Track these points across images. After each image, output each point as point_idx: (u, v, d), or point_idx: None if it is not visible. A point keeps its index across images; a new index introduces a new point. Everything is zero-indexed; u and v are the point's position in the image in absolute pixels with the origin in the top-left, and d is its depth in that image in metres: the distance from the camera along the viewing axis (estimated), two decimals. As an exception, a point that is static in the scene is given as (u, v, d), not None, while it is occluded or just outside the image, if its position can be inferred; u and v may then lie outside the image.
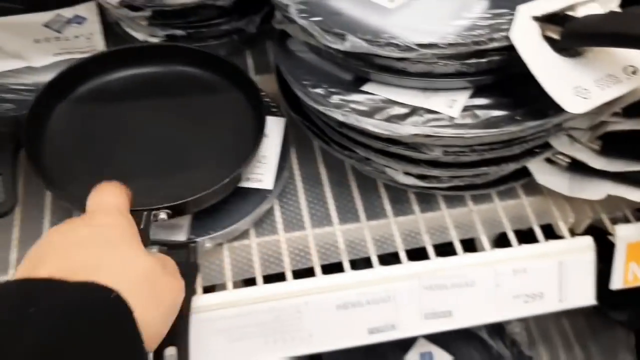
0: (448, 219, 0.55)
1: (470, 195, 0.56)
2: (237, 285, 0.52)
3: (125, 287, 0.35)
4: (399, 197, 0.56)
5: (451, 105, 0.48)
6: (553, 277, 0.54)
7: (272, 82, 0.62)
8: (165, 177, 0.52)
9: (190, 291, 0.45)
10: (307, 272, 0.53)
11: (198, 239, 0.51)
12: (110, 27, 0.64)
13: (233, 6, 0.60)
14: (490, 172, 0.52)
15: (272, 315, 0.50)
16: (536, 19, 0.47)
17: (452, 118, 0.47)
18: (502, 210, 0.56)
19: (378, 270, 0.51)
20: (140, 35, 0.62)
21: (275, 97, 0.61)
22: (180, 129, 0.55)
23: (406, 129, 0.46)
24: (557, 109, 0.45)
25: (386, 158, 0.51)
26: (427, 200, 0.56)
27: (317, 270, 0.52)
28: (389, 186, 0.56)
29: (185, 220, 0.53)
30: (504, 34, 0.46)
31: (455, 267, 0.52)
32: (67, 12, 0.64)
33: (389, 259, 0.54)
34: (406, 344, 0.73)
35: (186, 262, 0.46)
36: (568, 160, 0.54)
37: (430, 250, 0.53)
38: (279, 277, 0.53)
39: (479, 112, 0.48)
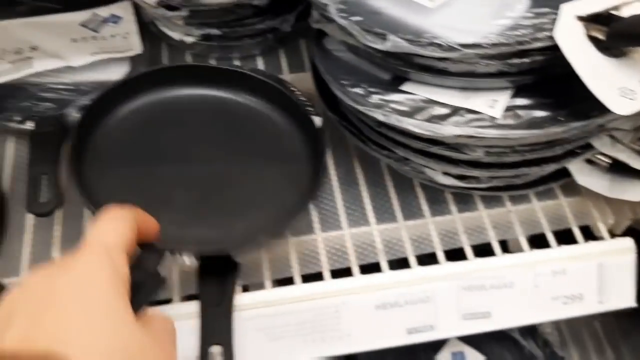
0: (486, 219, 0.55)
1: (508, 195, 0.56)
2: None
3: None
4: (436, 197, 0.56)
5: (492, 106, 0.48)
6: (592, 279, 0.53)
7: (306, 80, 0.62)
8: (200, 214, 0.49)
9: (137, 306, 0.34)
10: (344, 272, 0.53)
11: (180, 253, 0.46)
12: (146, 27, 0.65)
13: (268, 5, 0.60)
14: (530, 172, 0.51)
15: (310, 314, 0.50)
16: (580, 18, 0.46)
17: (493, 118, 0.47)
18: (540, 211, 0.56)
19: (417, 270, 0.51)
20: (175, 35, 0.62)
21: (310, 96, 0.61)
22: (228, 160, 0.53)
23: (449, 130, 0.46)
24: (601, 110, 0.45)
25: (425, 158, 0.50)
26: (464, 200, 0.56)
27: (355, 270, 0.52)
28: (425, 186, 0.56)
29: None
30: (547, 33, 0.45)
31: (494, 268, 0.51)
32: (103, 12, 0.65)
33: (425, 259, 0.54)
34: (438, 343, 0.72)
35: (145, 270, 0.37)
36: (609, 161, 0.53)
37: (468, 251, 0.53)
38: (316, 276, 0.53)
39: (520, 112, 0.48)
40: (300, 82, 0.63)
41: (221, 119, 0.56)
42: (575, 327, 0.85)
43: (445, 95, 0.48)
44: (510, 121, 0.47)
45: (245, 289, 0.52)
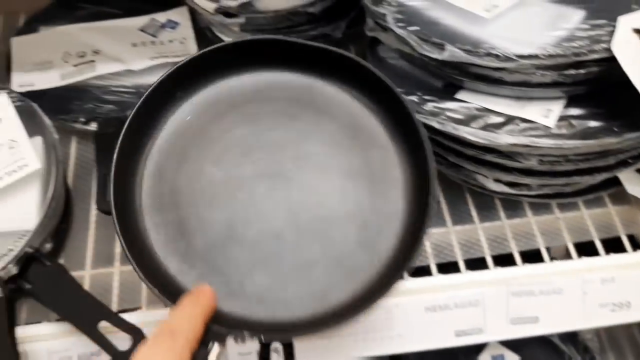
0: (534, 226, 0.56)
1: (557, 203, 0.57)
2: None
3: None
4: (485, 203, 0.57)
5: (547, 115, 0.49)
6: (640, 287, 0.54)
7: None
8: (279, 270, 0.41)
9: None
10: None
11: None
12: (201, 32, 0.67)
13: (321, 12, 0.62)
14: (582, 181, 0.52)
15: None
16: (637, 31, 0.47)
17: (547, 128, 0.48)
18: (588, 219, 0.56)
19: (467, 275, 0.52)
20: (230, 40, 0.64)
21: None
22: (317, 186, 0.43)
23: (504, 138, 0.47)
24: (656, 121, 0.46)
25: (478, 165, 0.52)
26: (513, 206, 0.57)
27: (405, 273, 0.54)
28: (474, 192, 0.57)
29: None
30: (604, 45, 0.46)
31: (544, 274, 0.52)
32: (161, 17, 0.67)
33: (473, 263, 0.55)
34: (478, 345, 0.74)
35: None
36: (660, 171, 0.54)
37: (517, 257, 0.54)
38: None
39: (574, 122, 0.48)
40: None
41: (303, 114, 0.46)
42: (613, 334, 0.85)
43: (500, 104, 0.49)
44: (564, 131, 0.48)
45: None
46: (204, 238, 0.43)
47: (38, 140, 0.52)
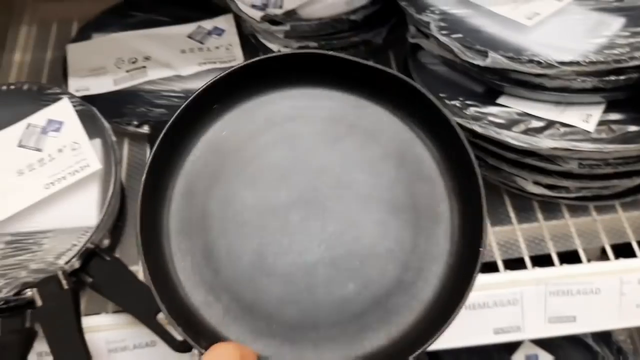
0: (572, 228, 0.57)
1: (594, 205, 0.58)
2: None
3: None
4: (523, 205, 0.59)
5: (586, 120, 0.50)
6: (678, 289, 0.55)
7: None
8: (310, 307, 0.39)
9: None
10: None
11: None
12: (247, 39, 0.70)
13: (363, 19, 0.64)
14: (620, 184, 0.53)
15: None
16: (677, 38, 0.48)
17: (587, 132, 0.50)
18: (626, 221, 0.57)
19: (506, 274, 0.54)
20: (274, 47, 0.67)
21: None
22: (356, 218, 0.40)
23: (545, 142, 0.48)
24: (695, 126, 0.47)
25: (517, 168, 0.53)
26: (550, 208, 0.58)
27: (445, 271, 0.56)
28: (512, 194, 0.59)
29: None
30: (645, 52, 0.47)
31: (582, 274, 0.54)
32: (208, 24, 0.70)
33: (511, 263, 0.57)
34: (512, 345, 0.75)
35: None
36: (697, 174, 0.55)
37: (555, 257, 0.56)
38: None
39: (614, 126, 0.50)
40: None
41: (346, 136, 0.42)
42: (647, 336, 0.85)
43: (541, 109, 0.51)
44: (604, 135, 0.49)
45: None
46: (232, 267, 0.40)
47: (97, 142, 0.55)
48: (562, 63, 0.47)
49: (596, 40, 0.49)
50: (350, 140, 0.43)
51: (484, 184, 0.53)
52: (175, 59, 0.66)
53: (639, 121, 0.50)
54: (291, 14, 0.63)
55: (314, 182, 0.42)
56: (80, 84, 0.65)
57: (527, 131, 0.50)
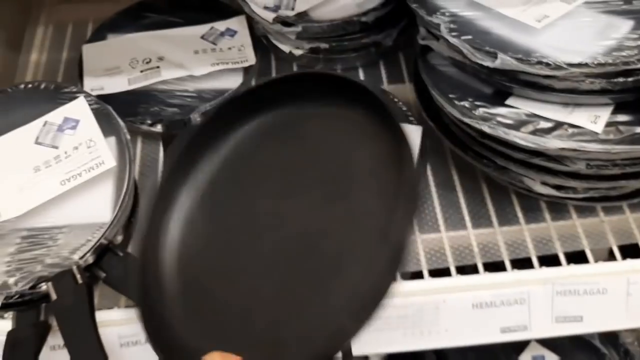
0: (579, 229, 0.58)
1: (602, 206, 0.58)
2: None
3: None
4: (531, 205, 0.59)
5: (594, 121, 0.51)
6: (685, 290, 0.55)
7: (404, 91, 0.67)
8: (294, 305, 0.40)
9: None
10: (441, 272, 0.57)
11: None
12: (258, 40, 0.71)
13: (374, 21, 0.65)
14: (628, 185, 0.54)
15: (412, 309, 0.54)
16: (685, 41, 0.49)
17: (595, 133, 0.50)
18: (633, 222, 0.58)
19: (513, 273, 0.55)
20: (286, 48, 0.68)
21: (409, 107, 0.65)
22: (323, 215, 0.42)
23: (553, 143, 0.49)
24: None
25: (525, 168, 0.54)
26: (558, 209, 0.59)
27: (453, 270, 0.56)
28: (520, 194, 0.59)
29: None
30: (653, 54, 0.48)
31: (589, 274, 0.54)
32: (220, 26, 0.71)
33: (519, 263, 0.57)
34: (519, 345, 0.75)
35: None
36: None
37: (562, 257, 0.56)
38: (414, 275, 0.57)
39: (622, 127, 0.50)
40: (399, 93, 0.67)
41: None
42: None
43: (549, 111, 0.52)
44: (612, 136, 0.50)
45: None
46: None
47: (112, 140, 0.56)
48: (571, 65, 0.48)
49: (605, 43, 0.50)
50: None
51: (492, 184, 0.55)
52: (188, 60, 0.67)
53: (647, 123, 0.51)
54: (303, 16, 0.64)
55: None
56: (95, 84, 0.66)
57: (535, 132, 0.50)
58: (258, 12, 0.66)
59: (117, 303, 0.54)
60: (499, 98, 0.54)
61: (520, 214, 0.59)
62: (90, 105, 0.57)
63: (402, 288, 0.54)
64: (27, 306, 0.51)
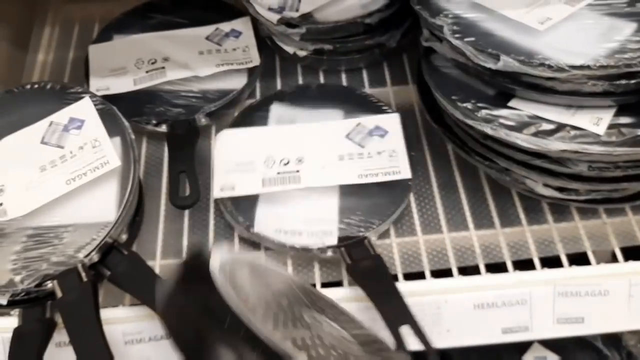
0: (581, 230, 0.58)
1: (604, 208, 0.58)
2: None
3: None
4: (533, 207, 0.59)
5: (597, 123, 0.51)
6: (687, 292, 0.55)
7: (408, 92, 0.68)
8: None
9: None
10: (443, 273, 0.57)
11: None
12: (263, 41, 0.71)
13: (377, 23, 0.65)
14: (630, 187, 0.54)
15: (414, 309, 0.54)
16: (687, 43, 0.49)
17: (597, 135, 0.50)
18: (636, 224, 0.58)
19: (515, 274, 0.55)
20: (290, 49, 0.69)
21: (411, 108, 0.65)
22: None
23: (555, 145, 0.49)
24: None
25: (527, 170, 0.54)
26: (560, 210, 0.59)
27: (455, 271, 0.56)
28: (523, 195, 0.59)
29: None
30: (655, 57, 0.48)
31: (590, 276, 0.54)
32: (225, 27, 0.71)
33: (520, 264, 0.57)
34: (522, 346, 0.75)
35: None
36: None
37: (564, 259, 0.56)
38: (415, 275, 0.57)
39: (624, 130, 0.50)
40: (403, 94, 0.68)
41: None
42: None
43: (551, 112, 0.52)
44: (614, 138, 0.50)
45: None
46: None
47: (117, 140, 0.57)
48: (573, 67, 0.48)
49: (607, 45, 0.50)
50: None
51: (495, 186, 0.56)
52: (193, 60, 0.68)
53: (649, 125, 0.51)
54: (307, 17, 0.64)
55: None
56: (101, 84, 0.67)
57: (538, 134, 0.51)
58: (262, 13, 0.66)
59: (122, 301, 0.55)
60: (502, 100, 0.54)
61: (522, 216, 0.59)
62: (95, 105, 0.58)
63: (404, 288, 0.54)
64: (32, 303, 0.52)
